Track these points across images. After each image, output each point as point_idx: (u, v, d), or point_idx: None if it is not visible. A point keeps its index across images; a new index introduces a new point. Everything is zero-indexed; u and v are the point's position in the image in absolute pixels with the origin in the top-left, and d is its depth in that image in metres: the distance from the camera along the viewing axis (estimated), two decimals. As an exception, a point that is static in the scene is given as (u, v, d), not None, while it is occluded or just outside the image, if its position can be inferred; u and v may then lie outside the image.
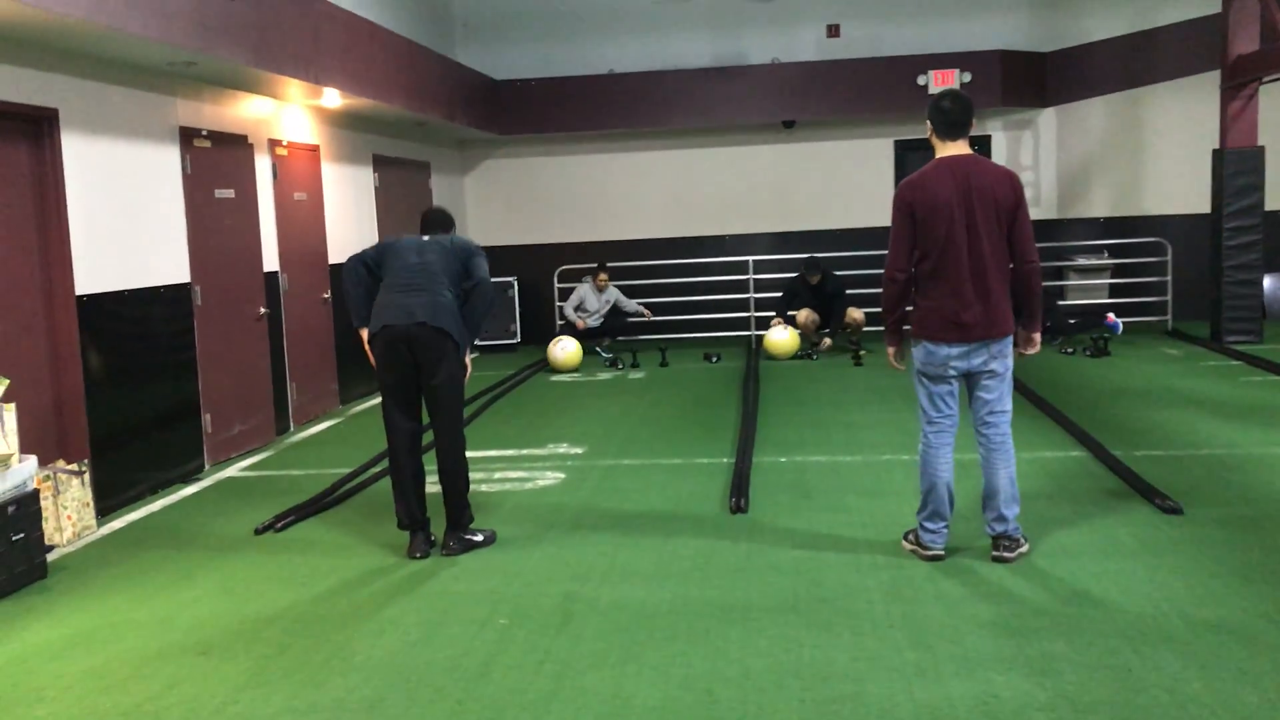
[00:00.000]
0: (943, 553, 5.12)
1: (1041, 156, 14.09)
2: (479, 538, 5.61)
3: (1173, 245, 12.96)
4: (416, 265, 5.53)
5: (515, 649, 4.30)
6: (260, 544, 5.93)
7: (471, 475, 5.81)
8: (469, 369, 5.68)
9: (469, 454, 5.83)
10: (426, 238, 5.73)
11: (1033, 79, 13.64)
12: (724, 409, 9.29)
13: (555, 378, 11.48)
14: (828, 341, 12.24)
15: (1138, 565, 4.91)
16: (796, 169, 14.27)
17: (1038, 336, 5.21)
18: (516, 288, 13.83)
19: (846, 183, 14.22)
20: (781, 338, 11.89)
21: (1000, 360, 5.02)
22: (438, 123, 11.82)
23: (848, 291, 12.35)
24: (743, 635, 4.31)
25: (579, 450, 7.85)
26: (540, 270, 14.21)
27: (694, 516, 6.03)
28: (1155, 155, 13.72)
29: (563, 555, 5.44)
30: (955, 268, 4.93)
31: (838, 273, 12.53)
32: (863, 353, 11.64)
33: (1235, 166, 11.48)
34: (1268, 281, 12.92)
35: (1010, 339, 5.05)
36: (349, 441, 8.62)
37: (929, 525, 5.13)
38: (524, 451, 7.86)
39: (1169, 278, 12.96)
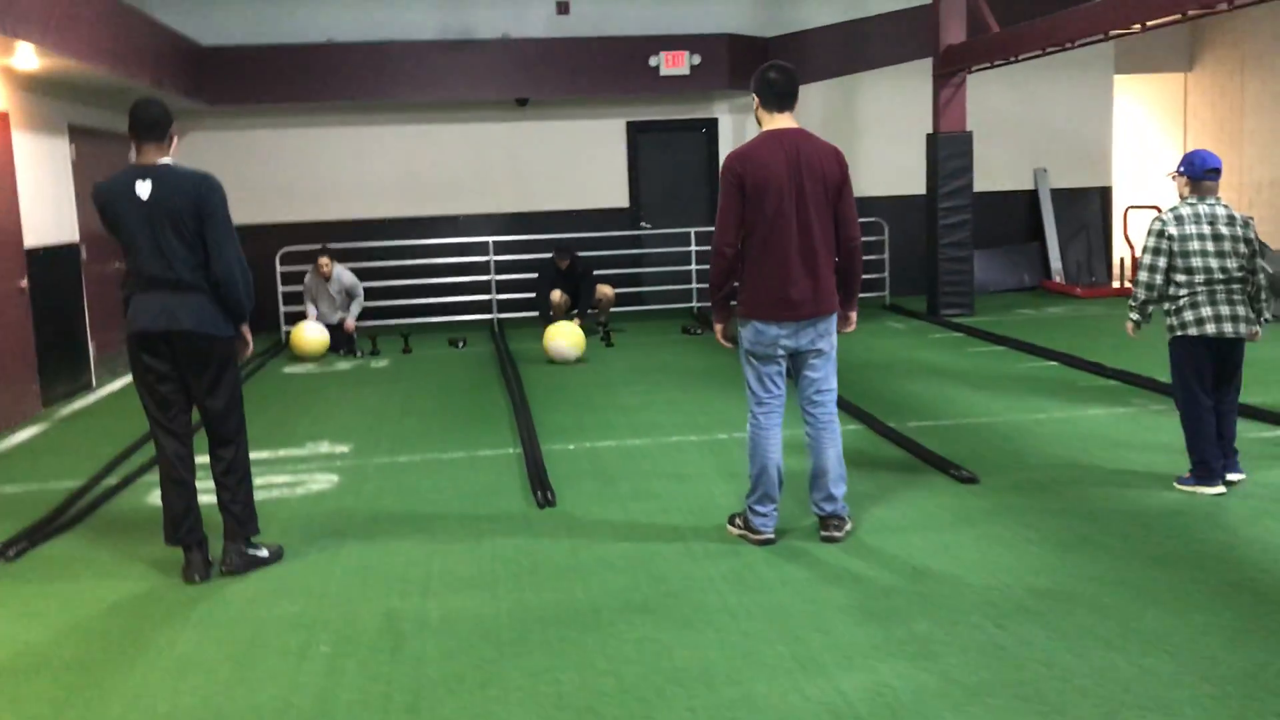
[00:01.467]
0: (773, 536, 5.01)
1: (766, 139, 14.44)
2: (264, 553, 4.97)
3: (888, 225, 13.66)
4: (150, 245, 4.62)
5: (351, 681, 3.79)
6: (-9, 577, 5.02)
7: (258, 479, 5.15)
8: (249, 344, 4.98)
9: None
10: (146, 186, 4.61)
11: (756, 63, 13.89)
12: (487, 396, 8.88)
13: (290, 369, 10.64)
14: (577, 322, 12.01)
15: (960, 537, 4.99)
16: (531, 148, 13.94)
17: (854, 315, 5.17)
18: (232, 272, 12.71)
19: (581, 163, 14.04)
20: (563, 346, 10.34)
21: (826, 339, 4.97)
22: (143, 90, 10.62)
23: (594, 272, 12.19)
24: (602, 642, 4.00)
25: (344, 448, 7.24)
26: (259, 252, 13.04)
27: (500, 514, 5.64)
28: (870, 139, 14.41)
29: (368, 567, 4.92)
30: (783, 243, 4.81)
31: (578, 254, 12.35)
32: (612, 331, 11.52)
33: (947, 150, 12.20)
34: (977, 258, 13.87)
35: (835, 317, 4.99)
36: (66, 449, 7.56)
37: (759, 509, 5.01)
38: (281, 453, 7.15)
39: (885, 255, 13.66)
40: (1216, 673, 3.57)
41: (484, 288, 13.31)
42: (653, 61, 13.26)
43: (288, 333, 11.76)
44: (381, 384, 9.63)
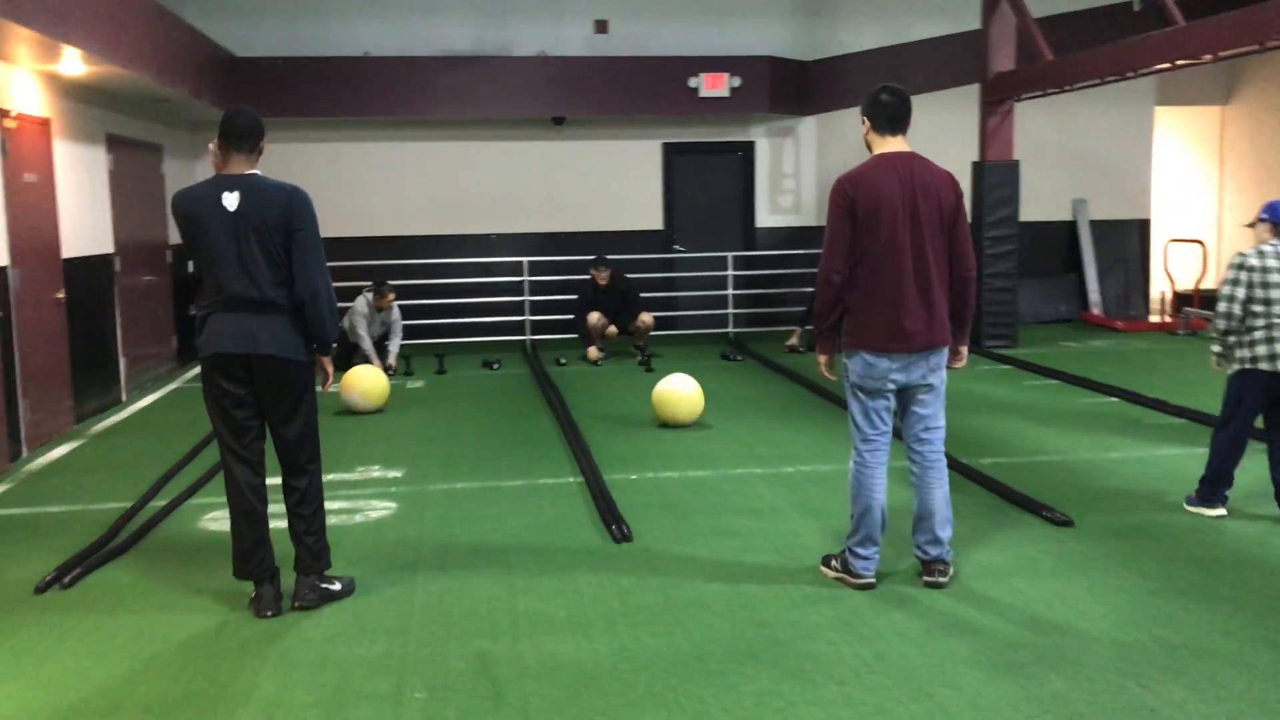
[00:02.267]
0: (874, 580, 4.75)
1: (802, 164, 14.27)
2: (337, 586, 4.72)
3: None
4: (234, 260, 4.38)
5: (454, 731, 3.53)
6: (46, 605, 4.76)
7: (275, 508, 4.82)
8: (330, 374, 4.76)
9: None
10: (234, 198, 4.35)
11: (796, 87, 13.78)
12: (533, 420, 8.63)
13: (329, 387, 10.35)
14: (610, 337, 11.69)
15: (1071, 585, 4.73)
16: (565, 168, 13.74)
17: (965, 350, 4.90)
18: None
19: (615, 184, 13.84)
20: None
21: (937, 373, 4.71)
22: (181, 99, 10.44)
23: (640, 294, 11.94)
24: (719, 695, 3.74)
25: (397, 473, 6.98)
26: (288, 268, 12.93)
27: (575, 548, 5.39)
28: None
29: (448, 604, 4.66)
30: (897, 271, 4.56)
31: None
32: (651, 356, 11.29)
33: (994, 179, 12.00)
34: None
35: (947, 351, 4.75)
36: (104, 467, 7.31)
37: (860, 551, 4.74)
38: (332, 477, 6.87)
39: (926, 284, 13.42)
40: (1394, 745, 3.31)
41: (517, 308, 13.07)
42: (692, 83, 13.07)
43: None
44: (422, 406, 9.38)
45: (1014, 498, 6.03)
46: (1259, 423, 5.70)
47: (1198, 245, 14.32)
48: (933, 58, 13.78)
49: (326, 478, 6.51)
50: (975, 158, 12.36)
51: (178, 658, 4.15)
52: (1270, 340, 5.44)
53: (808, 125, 14.19)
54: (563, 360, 11.58)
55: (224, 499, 4.65)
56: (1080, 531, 5.49)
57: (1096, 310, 14.42)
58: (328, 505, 6.03)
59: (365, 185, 13.41)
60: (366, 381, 9.00)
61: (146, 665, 4.08)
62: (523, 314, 13.03)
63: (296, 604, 4.59)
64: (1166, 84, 14.90)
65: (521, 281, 12.97)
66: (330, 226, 13.15)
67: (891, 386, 4.67)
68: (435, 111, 12.94)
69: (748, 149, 14.07)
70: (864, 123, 4.74)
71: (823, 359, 4.85)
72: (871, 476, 4.70)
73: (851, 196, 4.57)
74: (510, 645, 4.20)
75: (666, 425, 8.12)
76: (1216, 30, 8.47)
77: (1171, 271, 14.20)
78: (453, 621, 4.45)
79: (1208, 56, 8.62)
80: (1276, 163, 15.53)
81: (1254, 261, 5.51)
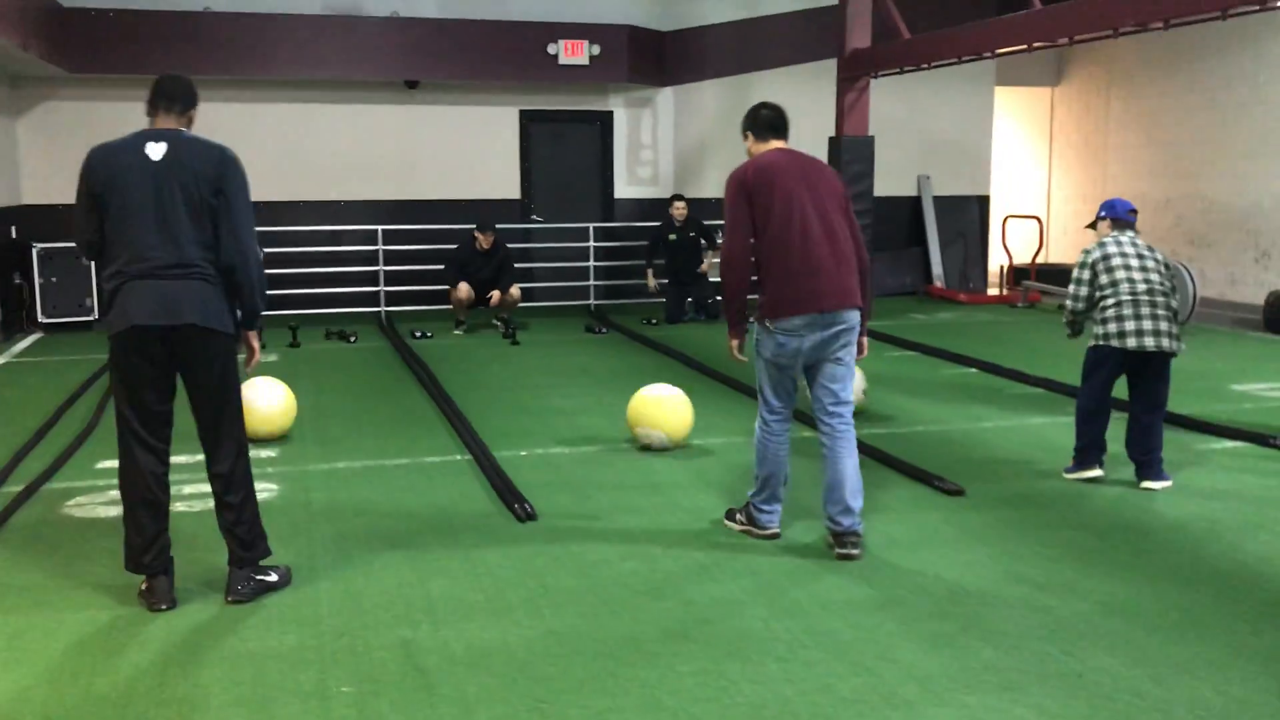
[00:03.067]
0: (779, 531, 5.00)
1: (660, 135, 14.25)
2: (273, 577, 4.42)
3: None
4: (154, 218, 4.07)
5: (392, 727, 3.36)
6: (-99, 606, 4.32)
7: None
8: (257, 352, 4.49)
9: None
10: (160, 148, 4.12)
11: (654, 57, 13.73)
12: (404, 396, 8.37)
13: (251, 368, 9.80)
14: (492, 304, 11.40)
15: (977, 554, 4.84)
16: (420, 133, 13.34)
17: (865, 340, 5.00)
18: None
19: (472, 151, 13.53)
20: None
21: (849, 349, 4.82)
22: (5, 49, 9.64)
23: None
24: (659, 676, 3.67)
25: (271, 453, 6.65)
26: (123, 235, 12.17)
27: (479, 528, 5.23)
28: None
29: (355, 590, 4.45)
30: (804, 232, 4.73)
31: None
32: (517, 330, 11.11)
33: (851, 154, 12.22)
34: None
35: (858, 326, 4.83)
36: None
37: (765, 507, 4.97)
38: (198, 458, 6.48)
39: (782, 257, 13.61)
40: (1304, 700, 3.50)
41: (370, 278, 12.66)
42: (551, 49, 12.86)
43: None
44: (282, 380, 8.95)
45: (904, 468, 6.16)
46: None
47: (1034, 221, 14.97)
48: (790, 32, 13.93)
49: (193, 459, 6.12)
50: (828, 133, 12.56)
51: (71, 659, 3.82)
52: (1120, 319, 5.74)
53: (665, 96, 14.16)
54: (424, 333, 11.26)
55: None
56: (972, 500, 5.65)
57: (940, 283, 14.92)
58: (195, 488, 5.71)
59: (206, 148, 12.69)
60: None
61: (43, 673, 3.73)
62: (377, 284, 12.61)
63: (230, 598, 4.28)
64: (1004, 65, 15.47)
65: (376, 250, 12.55)
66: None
67: (801, 361, 4.80)
68: (281, 71, 12.35)
69: (606, 119, 13.96)
70: (746, 137, 4.98)
71: (734, 343, 4.99)
72: (778, 444, 4.91)
73: (742, 179, 4.82)
74: (432, 632, 4.03)
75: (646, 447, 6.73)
76: (1071, 14, 8.80)
77: (1010, 246, 14.80)
78: (365, 609, 4.25)
79: (1063, 40, 8.96)
80: (1101, 143, 16.37)
81: (1096, 254, 5.92)
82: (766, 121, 4.95)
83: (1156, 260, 5.86)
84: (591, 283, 13.27)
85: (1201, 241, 14.30)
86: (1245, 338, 11.29)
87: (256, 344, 4.44)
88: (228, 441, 4.31)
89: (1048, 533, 5.13)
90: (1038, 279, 14.21)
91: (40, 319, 11.41)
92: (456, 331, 11.44)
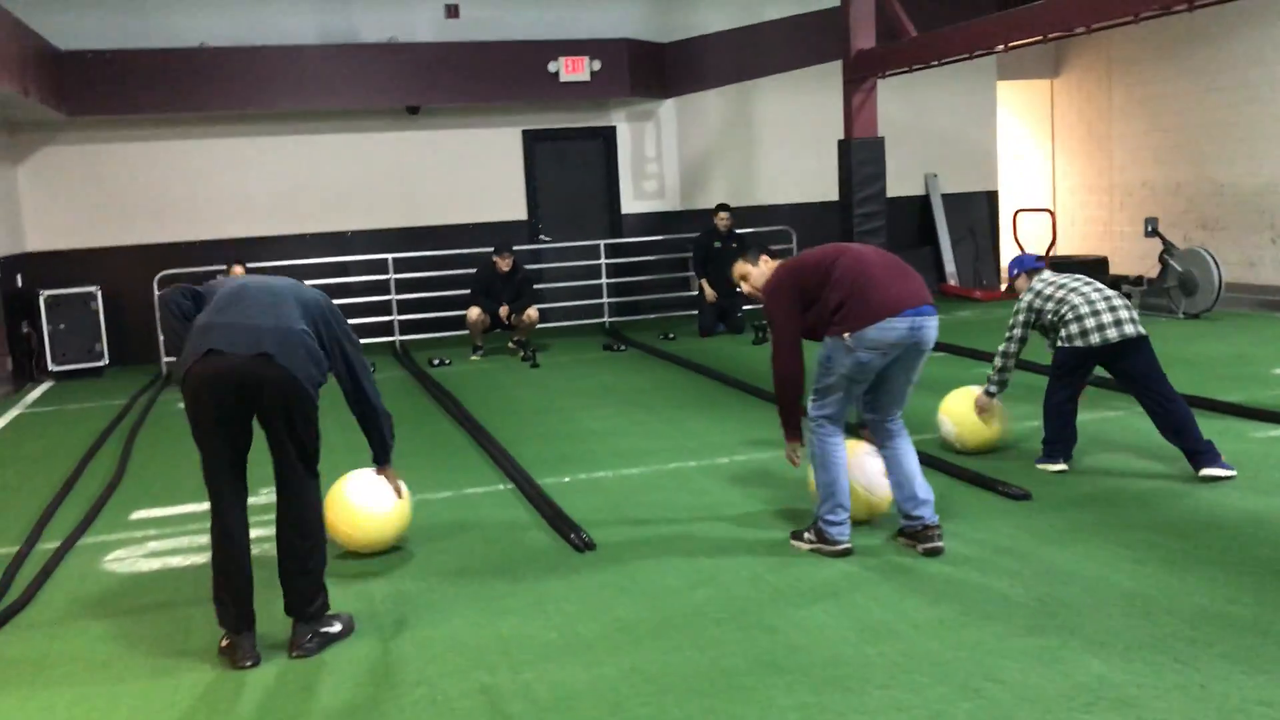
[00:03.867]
0: (851, 545, 4.85)
1: (664, 147, 14.10)
2: (336, 628, 4.25)
3: (795, 233, 13.49)
4: (257, 286, 4.18)
5: (489, 783, 3.17)
6: (-50, 679, 4.13)
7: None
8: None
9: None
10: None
11: (655, 69, 13.59)
12: (432, 425, 8.19)
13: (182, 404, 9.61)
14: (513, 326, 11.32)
15: (1063, 560, 4.67)
16: (423, 159, 13.18)
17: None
18: (100, 299, 11.51)
19: (476, 174, 13.36)
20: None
21: (924, 355, 4.84)
22: (5, 97, 9.47)
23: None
24: (759, 712, 3.49)
25: (307, 492, 6.45)
26: (130, 277, 12.01)
27: (538, 561, 5.04)
28: (770, 146, 14.23)
29: (424, 636, 4.26)
30: (864, 262, 4.74)
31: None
32: (536, 351, 10.94)
33: (861, 155, 12.08)
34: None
35: (935, 328, 4.82)
36: (-34, 510, 6.52)
37: (833, 518, 4.83)
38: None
39: (795, 264, 13.47)
40: None
41: (383, 308, 12.49)
42: (552, 67, 12.72)
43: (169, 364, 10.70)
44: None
45: (965, 475, 6.00)
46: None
47: (1047, 214, 14.84)
48: (790, 37, 13.81)
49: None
50: (835, 137, 12.43)
51: (137, 727, 3.64)
52: (1080, 319, 5.89)
53: (668, 108, 14.03)
54: (441, 361, 11.09)
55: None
56: (1039, 504, 5.48)
57: (954, 281, 14.79)
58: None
59: (210, 185, 12.55)
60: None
61: (101, 740, 3.56)
62: (390, 314, 12.44)
63: (295, 653, 4.10)
64: (1004, 59, 15.36)
65: (387, 280, 12.38)
66: (171, 230, 12.35)
67: (875, 370, 4.74)
68: (280, 103, 12.19)
69: (609, 134, 13.82)
70: (764, 262, 5.06)
71: (791, 445, 4.97)
72: (839, 448, 4.84)
73: (794, 268, 4.82)
74: (512, 676, 3.85)
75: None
76: (1086, 2, 8.66)
77: (1021, 240, 14.66)
78: (436, 656, 4.06)
79: (1080, 29, 8.82)
80: (1105, 132, 16.26)
81: (1029, 298, 6.15)
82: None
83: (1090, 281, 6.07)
84: (605, 300, 13.11)
85: (1215, 225, 14.17)
86: (1273, 319, 11.15)
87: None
88: (312, 483, 4.15)
89: (1126, 534, 4.97)
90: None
91: (50, 367, 11.22)
92: (474, 357, 11.28)
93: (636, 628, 4.21)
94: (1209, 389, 7.67)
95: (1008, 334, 6.20)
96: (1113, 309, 5.87)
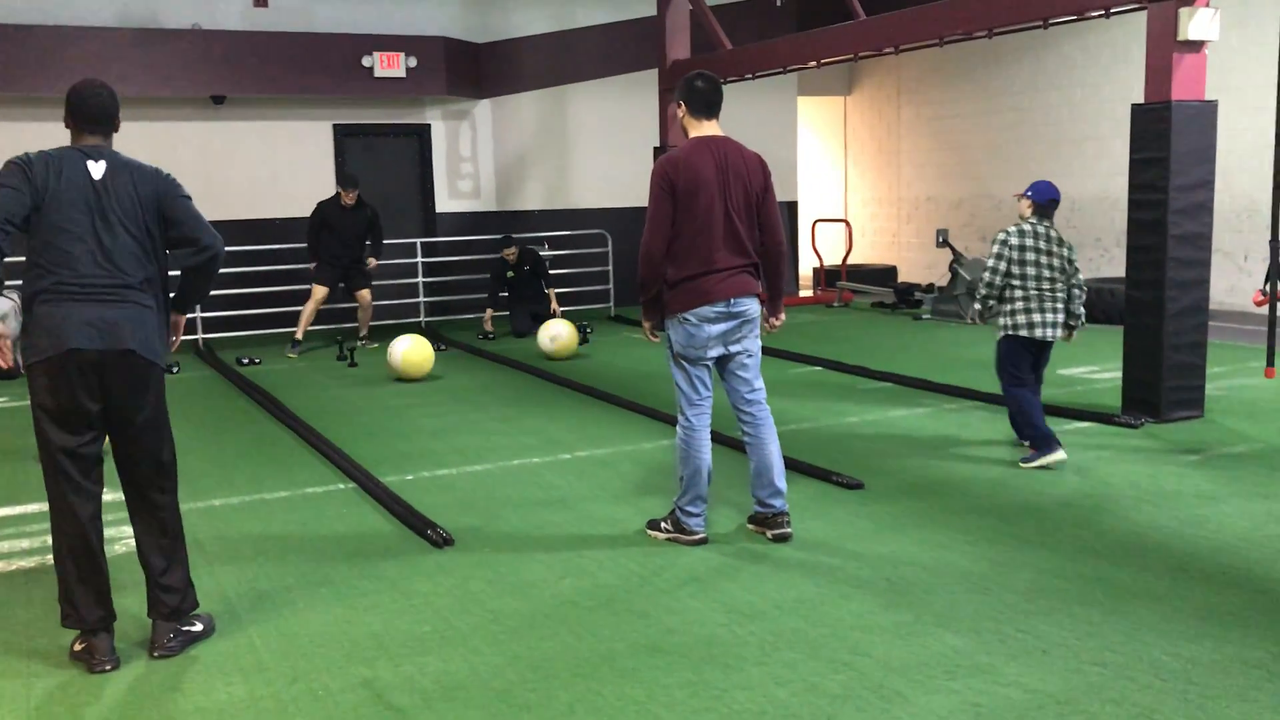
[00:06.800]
0: (706, 535, 5.04)
1: (479, 148, 14.06)
2: (198, 626, 4.09)
3: (610, 237, 13.70)
4: (98, 246, 3.81)
5: (389, 772, 3.17)
6: None
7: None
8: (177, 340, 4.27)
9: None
10: (99, 166, 3.93)
11: (471, 69, 13.54)
12: (255, 425, 7.94)
13: (6, 403, 9.00)
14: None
15: (902, 545, 4.98)
16: (228, 151, 12.70)
17: (782, 317, 5.31)
18: None
19: (284, 168, 12.98)
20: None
21: (753, 339, 5.04)
22: None
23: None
24: (646, 693, 3.60)
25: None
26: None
27: (397, 557, 4.99)
28: (585, 151, 14.39)
29: (291, 631, 4.17)
30: (710, 239, 4.84)
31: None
32: (354, 351, 10.74)
33: (675, 163, 12.38)
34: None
35: (757, 319, 5.04)
36: None
37: (692, 509, 5.02)
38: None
39: (610, 267, 13.69)
40: (1252, 655, 3.76)
41: (185, 305, 11.93)
42: (366, 61, 12.51)
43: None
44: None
45: (800, 466, 6.28)
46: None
47: (843, 224, 15.59)
48: (605, 44, 14.03)
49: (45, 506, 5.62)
50: (650, 143, 12.73)
51: (-7, 737, 3.44)
52: (1028, 310, 6.27)
53: (484, 109, 14.00)
54: (251, 360, 10.73)
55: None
56: (873, 493, 5.82)
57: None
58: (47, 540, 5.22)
59: (-11, 171, 11.70)
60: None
61: (-45, 751, 3.35)
62: (193, 311, 11.91)
63: (157, 653, 3.94)
64: (803, 76, 16.07)
65: (189, 275, 11.84)
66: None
67: (711, 355, 4.95)
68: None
69: (424, 132, 13.68)
70: (680, 107, 4.97)
71: (647, 325, 5.11)
72: (700, 439, 4.99)
73: (672, 178, 4.81)
74: (392, 669, 3.83)
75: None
76: (898, 24, 9.22)
77: (819, 249, 15.35)
78: (309, 652, 4.00)
79: (889, 49, 9.36)
80: (894, 148, 17.23)
81: (1014, 241, 6.31)
82: (702, 98, 4.90)
83: (1064, 256, 6.29)
84: (421, 299, 12.96)
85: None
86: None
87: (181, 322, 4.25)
88: (167, 482, 4.00)
89: (955, 519, 5.35)
90: (848, 279, 14.81)
91: None
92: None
93: (510, 618, 4.26)
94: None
95: (987, 276, 6.30)
96: (1055, 309, 6.24)
